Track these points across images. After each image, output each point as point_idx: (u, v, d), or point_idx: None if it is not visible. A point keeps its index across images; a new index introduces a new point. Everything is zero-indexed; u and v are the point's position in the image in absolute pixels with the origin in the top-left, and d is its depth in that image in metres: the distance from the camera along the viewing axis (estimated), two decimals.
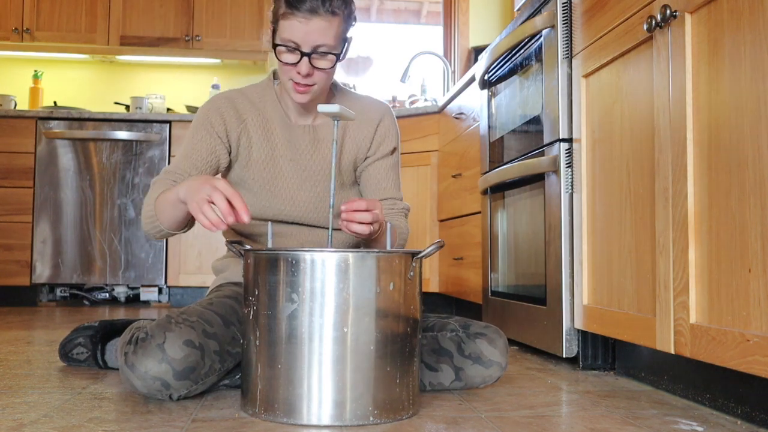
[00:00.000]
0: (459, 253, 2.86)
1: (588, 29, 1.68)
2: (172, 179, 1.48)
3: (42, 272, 3.59)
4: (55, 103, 4.07)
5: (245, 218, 1.21)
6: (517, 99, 2.13)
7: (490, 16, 4.08)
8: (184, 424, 1.14)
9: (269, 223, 1.38)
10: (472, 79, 2.67)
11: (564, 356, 1.75)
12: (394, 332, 1.18)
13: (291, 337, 1.15)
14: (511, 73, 2.20)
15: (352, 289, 1.15)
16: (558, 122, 1.80)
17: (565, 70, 1.79)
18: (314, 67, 1.42)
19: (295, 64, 1.41)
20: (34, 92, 4.14)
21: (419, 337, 1.24)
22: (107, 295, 3.86)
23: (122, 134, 3.64)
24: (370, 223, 1.31)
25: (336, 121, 1.28)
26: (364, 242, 1.50)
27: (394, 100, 4.18)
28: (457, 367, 1.41)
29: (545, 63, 1.89)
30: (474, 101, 2.67)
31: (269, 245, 1.33)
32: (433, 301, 3.37)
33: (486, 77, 2.44)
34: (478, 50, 3.91)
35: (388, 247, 1.31)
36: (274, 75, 1.61)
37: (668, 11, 1.29)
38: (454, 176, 2.92)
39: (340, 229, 1.47)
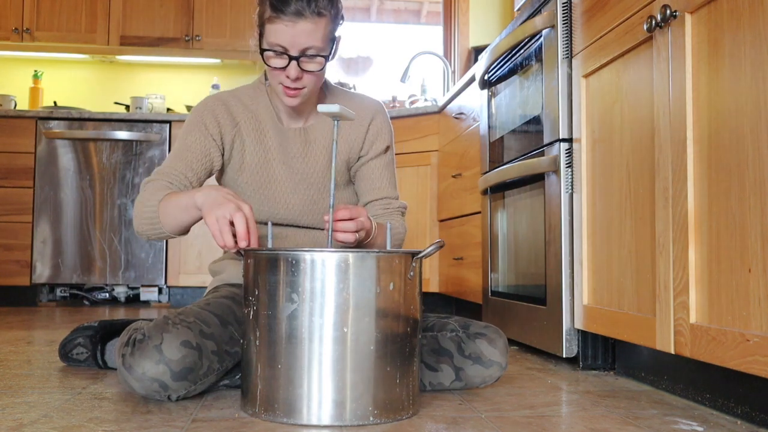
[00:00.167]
0: (459, 253, 2.86)
1: (588, 29, 1.67)
2: (168, 180, 1.46)
3: (42, 272, 3.60)
4: (55, 103, 4.07)
5: (231, 246, 1.24)
6: (517, 99, 2.13)
7: (490, 16, 4.08)
8: (184, 424, 1.14)
9: (269, 223, 1.38)
10: (472, 79, 2.67)
11: (564, 356, 1.75)
12: (394, 332, 1.18)
13: (291, 337, 1.15)
14: (511, 73, 2.20)
15: (352, 289, 1.15)
16: (558, 122, 1.80)
17: (565, 70, 1.79)
18: (303, 70, 1.40)
19: (283, 69, 1.40)
20: (34, 92, 4.14)
21: (419, 337, 1.24)
22: (107, 295, 3.86)
23: (122, 134, 3.64)
24: (355, 232, 1.32)
25: (336, 121, 1.27)
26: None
27: (394, 100, 4.17)
28: (457, 367, 1.41)
29: (545, 63, 1.89)
30: (474, 101, 2.67)
31: (269, 245, 1.33)
32: (433, 301, 3.37)
33: (486, 77, 2.44)
34: (478, 50, 3.91)
35: (388, 247, 1.31)
36: (266, 75, 1.59)
37: (668, 11, 1.29)
38: (454, 176, 2.92)
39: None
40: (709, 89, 1.21)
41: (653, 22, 1.33)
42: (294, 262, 1.16)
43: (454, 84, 3.64)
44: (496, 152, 2.35)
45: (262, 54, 1.41)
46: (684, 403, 1.37)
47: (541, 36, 1.93)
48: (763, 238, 1.06)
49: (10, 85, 4.28)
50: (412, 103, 3.89)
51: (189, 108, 4.05)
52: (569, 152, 1.78)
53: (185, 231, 1.44)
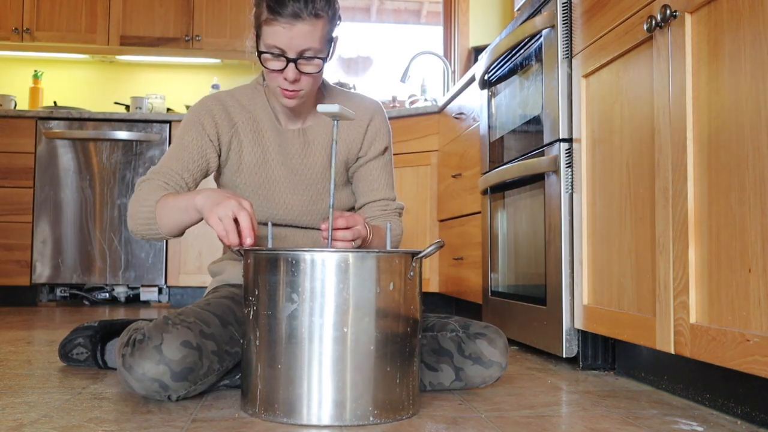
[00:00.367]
0: (459, 253, 2.86)
1: (588, 29, 1.67)
2: (164, 180, 1.46)
3: (42, 272, 3.60)
4: (55, 103, 4.07)
5: (236, 244, 1.24)
6: (517, 99, 2.13)
7: (490, 16, 4.08)
8: (184, 424, 1.14)
9: (269, 223, 1.38)
10: (472, 79, 2.67)
11: (564, 356, 1.75)
12: (394, 332, 1.18)
13: (291, 337, 1.15)
14: (511, 73, 2.20)
15: (352, 289, 1.15)
16: (558, 122, 1.80)
17: (565, 70, 1.79)
18: (301, 72, 1.39)
19: (281, 71, 1.39)
20: (34, 92, 4.14)
21: (419, 337, 1.24)
22: (107, 295, 3.86)
23: (122, 134, 3.64)
24: (352, 240, 1.33)
25: (336, 121, 1.27)
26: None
27: (394, 100, 4.17)
28: (457, 367, 1.41)
29: (545, 63, 1.89)
30: (474, 101, 2.67)
31: (269, 245, 1.33)
32: (433, 301, 3.37)
33: (486, 77, 2.44)
34: (478, 50, 3.90)
35: (388, 248, 1.31)
36: (264, 76, 1.58)
37: (668, 11, 1.29)
38: (454, 176, 2.92)
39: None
40: (709, 89, 1.21)
41: (653, 22, 1.33)
42: (294, 262, 1.16)
43: (454, 84, 3.64)
44: (496, 152, 2.35)
45: (259, 56, 1.41)
46: (684, 403, 1.37)
47: (541, 36, 1.93)
48: (763, 238, 1.06)
49: (10, 85, 4.28)
50: (412, 103, 3.89)
51: (189, 108, 4.05)
52: (569, 152, 1.78)
53: (181, 233, 1.44)
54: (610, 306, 1.58)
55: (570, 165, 1.78)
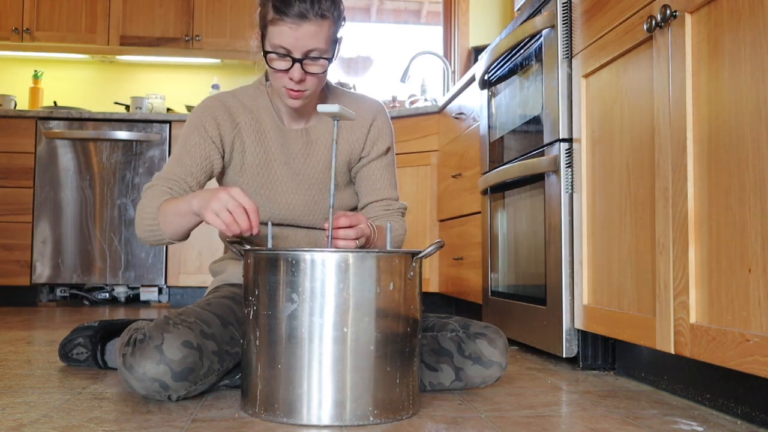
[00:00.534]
0: (459, 253, 2.86)
1: (588, 29, 1.68)
2: (168, 186, 1.47)
3: (42, 272, 3.60)
4: (55, 103, 4.07)
5: (254, 231, 1.27)
6: (517, 99, 2.13)
7: (490, 16, 4.08)
8: (184, 424, 1.14)
9: (269, 223, 1.38)
10: (472, 79, 2.67)
11: (564, 356, 1.75)
12: (394, 332, 1.18)
13: (291, 337, 1.15)
14: (511, 73, 2.20)
15: (352, 289, 1.15)
16: (558, 122, 1.80)
17: (565, 70, 1.79)
18: (306, 72, 1.39)
19: (286, 71, 1.39)
20: (34, 92, 4.14)
21: (419, 337, 1.24)
22: (107, 295, 3.86)
23: (122, 134, 3.64)
24: (355, 239, 1.33)
25: (336, 121, 1.27)
26: None
27: (394, 100, 4.17)
28: (457, 367, 1.41)
29: (545, 63, 1.89)
30: (474, 101, 2.67)
31: (269, 245, 1.33)
32: (433, 301, 3.37)
33: (486, 77, 2.44)
34: (478, 50, 3.90)
35: (388, 248, 1.31)
36: (266, 76, 1.59)
37: (668, 11, 1.29)
38: (454, 176, 2.92)
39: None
40: (709, 89, 1.21)
41: (653, 22, 1.33)
42: (294, 262, 1.16)
43: (454, 84, 3.64)
44: (496, 152, 2.35)
45: (265, 56, 1.41)
46: (684, 403, 1.37)
47: (541, 36, 1.93)
48: (763, 238, 1.06)
49: (10, 85, 4.28)
50: (412, 103, 3.89)
51: (189, 108, 4.05)
52: (569, 152, 1.78)
53: (186, 236, 1.46)
54: (610, 306, 1.58)
55: (570, 165, 1.78)
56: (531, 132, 2.00)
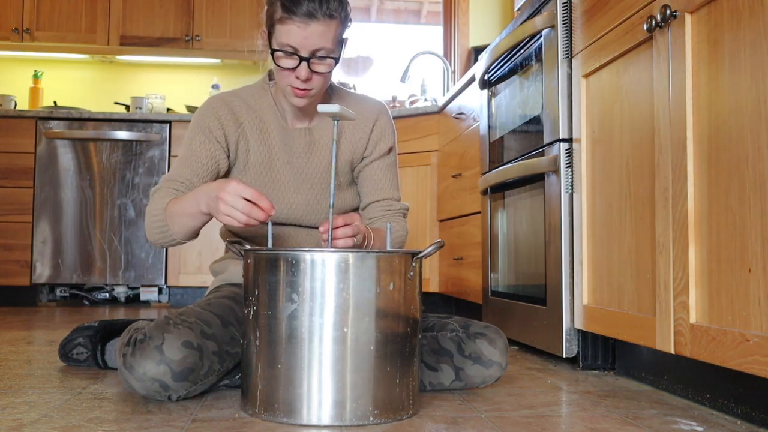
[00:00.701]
0: (459, 253, 2.86)
1: (588, 29, 1.68)
2: (174, 188, 1.47)
3: (42, 272, 3.60)
4: (55, 103, 4.07)
5: (269, 207, 1.25)
6: (517, 99, 2.13)
7: (490, 16, 4.08)
8: (184, 424, 1.14)
9: (269, 223, 1.38)
10: (472, 79, 2.67)
11: (564, 356, 1.75)
12: (394, 332, 1.18)
13: (291, 337, 1.15)
14: (511, 73, 2.20)
15: (352, 289, 1.15)
16: (558, 122, 1.80)
17: (565, 70, 1.79)
18: (313, 72, 1.40)
19: (293, 69, 1.40)
20: (34, 92, 4.14)
21: (419, 337, 1.24)
22: (107, 295, 3.86)
23: (122, 134, 3.64)
24: (353, 236, 1.33)
25: (336, 121, 1.27)
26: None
27: (394, 100, 4.17)
28: (457, 367, 1.41)
29: (545, 63, 1.89)
30: (474, 101, 2.67)
31: (269, 245, 1.33)
32: (433, 301, 3.37)
33: (486, 77, 2.44)
34: (478, 50, 3.90)
35: (388, 247, 1.31)
36: (270, 76, 1.60)
37: (668, 11, 1.29)
38: (454, 176, 2.92)
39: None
40: (709, 89, 1.21)
41: (653, 22, 1.33)
42: (294, 262, 1.16)
43: (454, 84, 3.64)
44: (496, 152, 2.35)
45: (272, 54, 1.41)
46: (684, 403, 1.37)
47: (541, 36, 1.93)
48: (763, 238, 1.06)
49: (10, 85, 4.28)
50: (412, 103, 3.89)
51: (189, 108, 4.05)
52: (569, 152, 1.78)
53: (196, 235, 1.47)
54: (610, 306, 1.58)
55: (570, 165, 1.78)
56: (531, 132, 2.00)
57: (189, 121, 3.67)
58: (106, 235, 3.64)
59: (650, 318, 1.38)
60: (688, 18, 1.26)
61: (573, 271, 1.75)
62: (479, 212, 2.56)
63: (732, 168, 1.14)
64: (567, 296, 1.75)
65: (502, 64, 2.29)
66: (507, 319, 2.17)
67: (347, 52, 1.50)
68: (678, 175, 1.28)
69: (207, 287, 3.62)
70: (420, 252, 1.21)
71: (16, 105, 3.99)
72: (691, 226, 1.24)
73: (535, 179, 1.96)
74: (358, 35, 5.01)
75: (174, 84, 4.38)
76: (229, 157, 1.54)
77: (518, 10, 3.04)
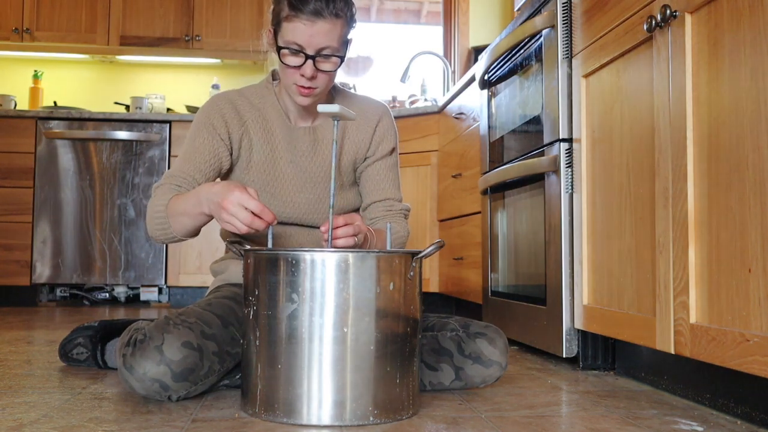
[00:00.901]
0: (459, 253, 2.86)
1: (588, 29, 1.68)
2: (176, 184, 1.47)
3: (42, 272, 3.59)
4: (55, 103, 4.07)
5: (271, 219, 1.26)
6: (517, 99, 2.13)
7: (490, 16, 4.08)
8: (184, 424, 1.14)
9: None
10: (472, 79, 2.67)
11: (564, 356, 1.75)
12: (394, 332, 1.18)
13: (291, 337, 1.15)
14: (511, 73, 2.20)
15: (352, 289, 1.15)
16: (558, 122, 1.80)
17: (565, 70, 1.79)
18: (318, 70, 1.41)
19: (299, 67, 1.41)
20: (34, 92, 4.14)
21: (419, 337, 1.24)
22: (107, 295, 3.86)
23: (122, 134, 3.64)
24: (354, 236, 1.33)
25: (336, 121, 1.27)
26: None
27: (394, 100, 4.17)
28: (457, 366, 1.41)
29: (545, 63, 1.89)
30: (474, 101, 2.67)
31: (269, 245, 1.33)
32: (433, 301, 3.37)
33: (486, 77, 2.44)
34: (478, 50, 3.90)
35: (388, 247, 1.31)
36: (273, 75, 1.60)
37: (668, 11, 1.29)
38: (454, 176, 2.92)
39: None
40: (709, 89, 1.21)
41: (653, 22, 1.33)
42: (294, 262, 1.16)
43: (454, 84, 3.64)
44: (496, 152, 2.35)
45: (278, 51, 1.42)
46: (684, 403, 1.37)
47: (541, 36, 1.93)
48: (763, 238, 1.06)
49: (10, 85, 4.28)
50: (412, 103, 3.89)
51: (189, 108, 4.05)
52: (569, 152, 1.78)
53: (196, 233, 1.47)
54: (610, 306, 1.58)
55: (570, 165, 1.78)
56: (531, 132, 2.00)
57: (189, 121, 3.68)
58: (106, 235, 3.64)
59: (650, 318, 1.38)
60: (688, 18, 1.26)
61: (573, 271, 1.75)
62: (479, 212, 2.56)
63: (732, 168, 1.14)
64: (567, 296, 1.75)
65: (502, 64, 2.29)
66: (507, 319, 2.17)
67: (350, 53, 1.51)
68: (678, 175, 1.28)
69: (207, 287, 3.62)
70: (420, 252, 1.21)
71: (16, 105, 3.99)
72: (691, 226, 1.24)
73: (535, 179, 1.96)
74: (358, 35, 5.01)
75: (174, 84, 4.38)
76: (231, 154, 1.55)
77: (518, 10, 3.04)
